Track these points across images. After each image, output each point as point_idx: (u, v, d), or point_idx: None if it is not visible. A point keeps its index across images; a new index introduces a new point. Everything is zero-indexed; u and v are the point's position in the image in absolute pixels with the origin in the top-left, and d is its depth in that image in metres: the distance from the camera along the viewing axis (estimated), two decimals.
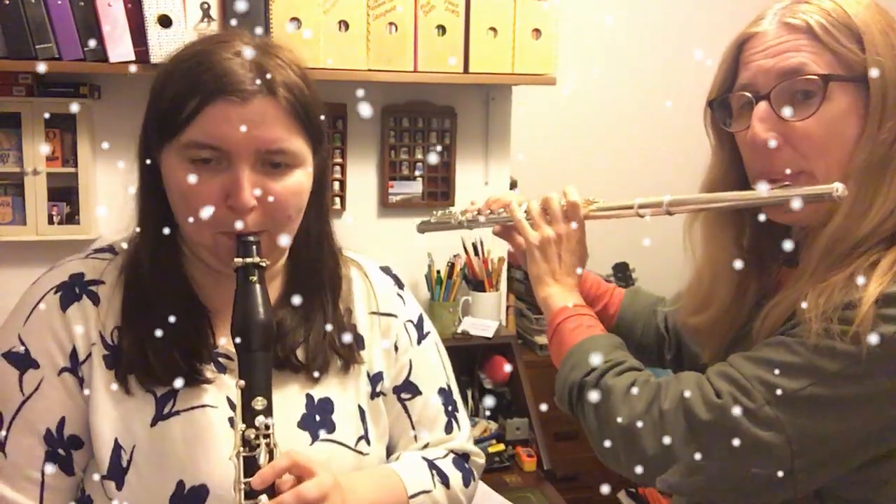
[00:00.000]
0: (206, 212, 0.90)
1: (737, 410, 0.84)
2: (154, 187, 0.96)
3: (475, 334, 2.14)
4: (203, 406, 0.96)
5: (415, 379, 1.13)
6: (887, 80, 0.87)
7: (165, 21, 1.77)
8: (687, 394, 0.88)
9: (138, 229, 0.99)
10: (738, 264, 0.98)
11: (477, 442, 1.95)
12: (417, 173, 2.21)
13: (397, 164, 2.20)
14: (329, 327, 1.04)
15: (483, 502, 1.75)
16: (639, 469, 0.89)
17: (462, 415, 1.18)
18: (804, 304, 0.85)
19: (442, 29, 1.97)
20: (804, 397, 0.82)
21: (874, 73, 0.87)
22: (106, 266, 1.02)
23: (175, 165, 0.91)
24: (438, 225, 1.27)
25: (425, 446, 1.13)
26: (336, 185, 2.15)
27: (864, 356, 0.79)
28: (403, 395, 1.12)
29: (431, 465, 1.10)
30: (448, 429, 1.15)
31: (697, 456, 0.85)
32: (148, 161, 0.96)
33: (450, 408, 1.16)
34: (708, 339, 1.06)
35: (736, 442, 0.83)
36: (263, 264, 0.90)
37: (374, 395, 1.08)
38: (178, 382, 0.95)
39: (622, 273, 2.61)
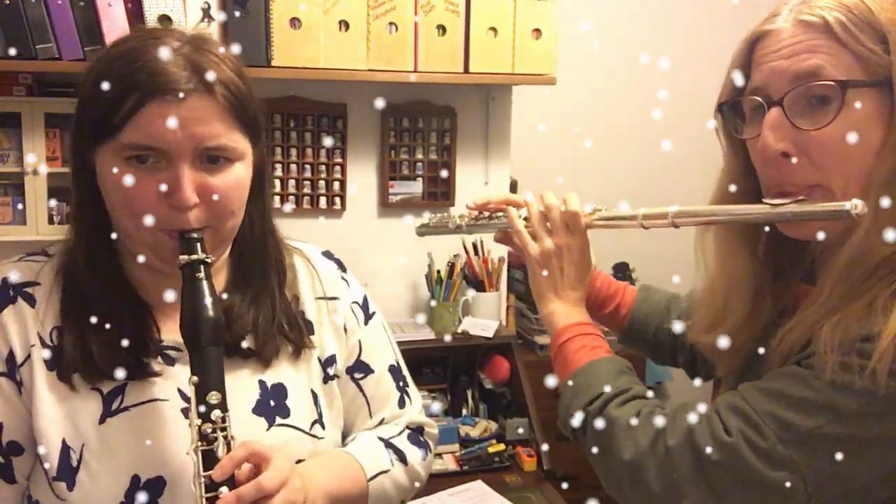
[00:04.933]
0: (148, 212, 0.89)
1: (747, 448, 0.79)
2: (87, 187, 0.95)
3: (475, 334, 2.14)
4: (153, 400, 0.96)
5: (366, 358, 1.14)
6: None
7: (166, 21, 1.77)
8: (694, 429, 0.83)
9: (73, 230, 0.99)
10: (754, 277, 0.92)
11: (477, 442, 1.95)
12: (417, 173, 2.21)
13: (397, 164, 2.20)
14: (277, 313, 1.04)
15: (483, 502, 1.75)
16: None
17: (412, 389, 1.21)
18: (821, 335, 0.79)
19: (442, 29, 1.97)
20: (820, 436, 0.77)
21: None
22: (41, 268, 1.00)
23: (112, 166, 0.90)
24: (436, 228, 1.23)
25: (381, 422, 1.15)
26: (336, 185, 2.15)
27: (883, 394, 0.74)
28: (356, 375, 1.14)
29: (388, 444, 1.12)
30: (401, 403, 1.17)
31: (707, 495, 0.81)
32: (82, 161, 0.94)
33: (401, 383, 1.18)
34: (723, 355, 0.98)
35: (747, 482, 0.79)
36: (209, 260, 0.90)
37: (326, 378, 1.09)
38: (121, 374, 0.94)
39: (622, 273, 2.61)
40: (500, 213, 1.12)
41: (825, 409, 0.77)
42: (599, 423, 0.90)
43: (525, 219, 1.07)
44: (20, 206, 1.87)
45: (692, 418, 0.84)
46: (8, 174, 1.88)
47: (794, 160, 0.82)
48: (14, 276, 0.99)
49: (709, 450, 0.81)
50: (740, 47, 0.89)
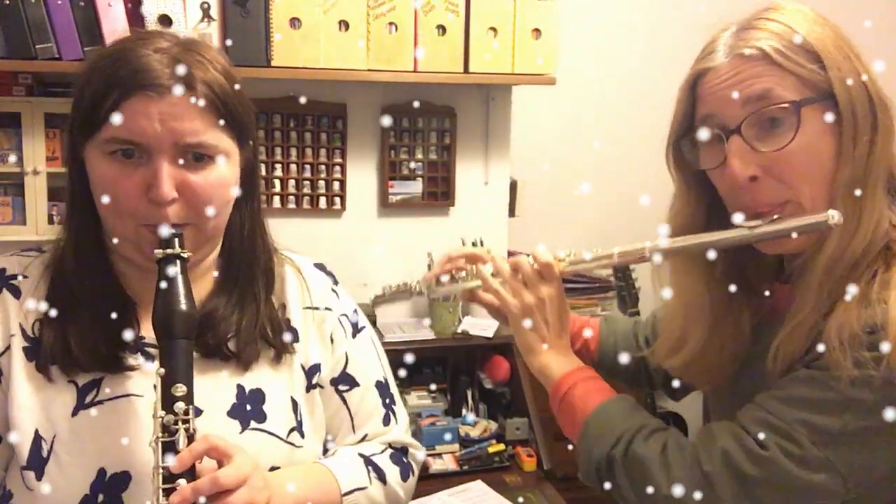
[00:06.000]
0: (130, 206, 0.91)
1: (785, 459, 0.82)
2: (80, 184, 0.96)
3: (475, 334, 2.14)
4: (128, 395, 0.97)
5: (351, 371, 1.14)
6: (853, 95, 0.85)
7: (166, 21, 1.77)
8: (728, 450, 0.85)
9: (65, 226, 1.00)
10: (711, 298, 0.95)
11: (476, 442, 1.95)
12: (417, 173, 2.21)
13: (397, 164, 2.20)
14: (261, 317, 1.04)
15: (483, 502, 1.75)
16: None
17: (399, 408, 1.19)
18: (827, 337, 0.82)
19: (442, 29, 1.97)
20: (850, 432, 0.81)
21: (840, 90, 0.85)
22: (31, 262, 1.03)
23: (97, 160, 0.93)
24: (395, 297, 1.23)
25: (363, 437, 1.14)
26: (336, 185, 2.15)
27: None
28: (341, 387, 1.13)
29: (368, 461, 1.11)
30: (386, 421, 1.16)
31: None
32: (74, 158, 0.97)
33: (387, 400, 1.17)
34: (701, 374, 1.01)
35: (789, 490, 0.82)
36: (185, 255, 0.91)
37: (309, 387, 1.09)
38: (98, 367, 0.95)
39: (622, 273, 2.61)
40: (463, 273, 1.11)
41: (850, 406, 0.81)
42: (628, 464, 0.90)
43: (493, 275, 1.07)
44: (20, 206, 1.87)
45: (723, 440, 0.86)
46: (8, 174, 1.88)
47: (762, 181, 0.87)
48: (2, 269, 1.01)
49: (748, 468, 0.83)
50: (683, 86, 0.93)
